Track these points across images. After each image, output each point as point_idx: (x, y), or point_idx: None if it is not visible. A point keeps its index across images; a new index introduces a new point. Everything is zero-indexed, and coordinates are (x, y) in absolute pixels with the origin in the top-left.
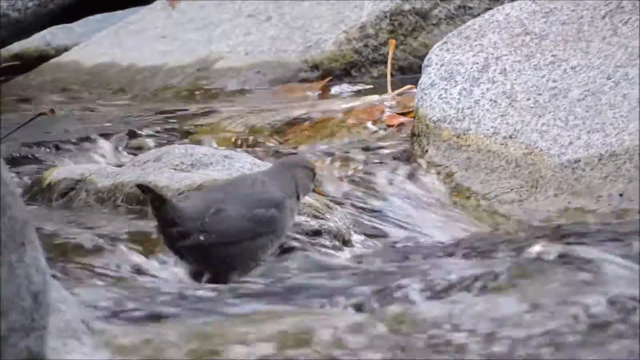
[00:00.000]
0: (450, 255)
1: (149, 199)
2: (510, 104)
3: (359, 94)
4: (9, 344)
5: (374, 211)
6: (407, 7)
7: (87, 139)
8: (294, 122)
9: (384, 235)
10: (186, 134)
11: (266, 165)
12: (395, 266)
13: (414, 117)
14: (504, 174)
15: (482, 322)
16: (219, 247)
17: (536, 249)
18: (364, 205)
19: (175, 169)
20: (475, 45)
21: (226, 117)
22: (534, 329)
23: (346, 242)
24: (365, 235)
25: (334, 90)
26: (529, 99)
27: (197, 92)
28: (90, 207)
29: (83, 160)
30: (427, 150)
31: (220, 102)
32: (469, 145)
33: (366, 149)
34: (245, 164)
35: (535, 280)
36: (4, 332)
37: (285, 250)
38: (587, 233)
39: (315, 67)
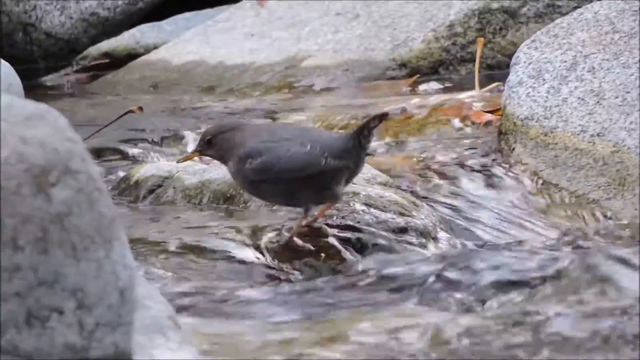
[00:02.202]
0: (537, 252)
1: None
2: (598, 102)
3: (446, 91)
4: (95, 339)
5: (461, 209)
6: (495, 5)
7: (175, 136)
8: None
9: (470, 232)
10: None
11: None
12: (481, 264)
13: (501, 115)
14: (591, 172)
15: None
16: None
17: None
18: (451, 203)
19: None
20: (564, 44)
21: (315, 114)
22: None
23: (432, 240)
24: (452, 232)
25: (422, 88)
26: (617, 97)
27: (285, 90)
28: (177, 204)
29: (171, 158)
30: (514, 148)
31: (309, 99)
32: (556, 144)
33: (453, 146)
34: None
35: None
36: (90, 327)
37: (372, 248)
38: None
39: (403, 65)
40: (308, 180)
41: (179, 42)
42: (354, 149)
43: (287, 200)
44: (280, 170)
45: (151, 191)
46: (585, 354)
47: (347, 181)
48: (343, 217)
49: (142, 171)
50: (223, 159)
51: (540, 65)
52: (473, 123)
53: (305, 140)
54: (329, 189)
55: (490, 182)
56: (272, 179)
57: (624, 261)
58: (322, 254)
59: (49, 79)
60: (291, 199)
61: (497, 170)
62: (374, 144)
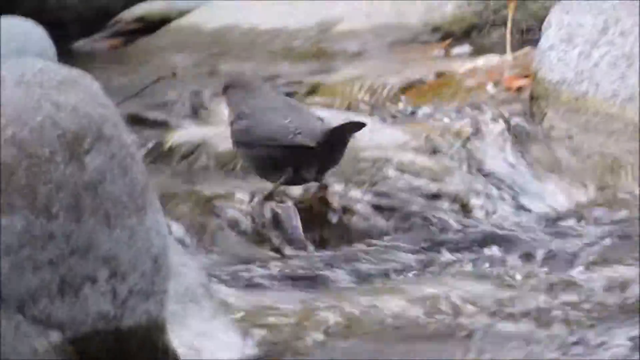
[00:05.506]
0: (570, 219)
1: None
2: (629, 66)
3: (478, 56)
4: (128, 307)
5: (493, 174)
6: None
7: (209, 102)
8: (414, 83)
9: (502, 198)
10: (307, 95)
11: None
12: (513, 230)
13: (533, 80)
14: (622, 137)
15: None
16: None
17: None
18: (483, 168)
19: None
20: (595, 7)
21: (347, 79)
22: None
23: (465, 206)
24: (484, 198)
25: (454, 52)
26: None
27: (317, 54)
28: (210, 170)
29: (204, 124)
30: (546, 113)
31: (341, 63)
32: (587, 108)
33: (486, 111)
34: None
35: None
36: (123, 295)
37: (404, 214)
38: None
39: (436, 29)
40: (282, 153)
41: (212, 6)
42: (327, 137)
43: (257, 169)
44: (257, 137)
45: (184, 157)
46: None
47: (319, 172)
48: (375, 183)
49: (175, 137)
50: (228, 111)
51: (571, 29)
52: (506, 87)
53: (289, 113)
54: (298, 171)
55: (522, 147)
56: (249, 143)
57: None
58: (353, 220)
59: (82, 44)
60: (261, 169)
61: (530, 135)
62: (409, 108)
